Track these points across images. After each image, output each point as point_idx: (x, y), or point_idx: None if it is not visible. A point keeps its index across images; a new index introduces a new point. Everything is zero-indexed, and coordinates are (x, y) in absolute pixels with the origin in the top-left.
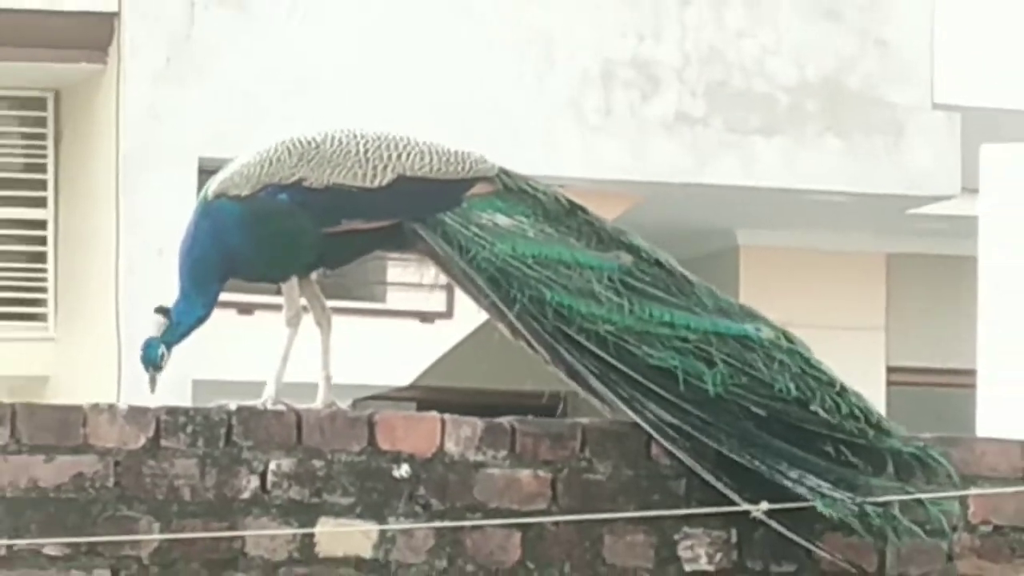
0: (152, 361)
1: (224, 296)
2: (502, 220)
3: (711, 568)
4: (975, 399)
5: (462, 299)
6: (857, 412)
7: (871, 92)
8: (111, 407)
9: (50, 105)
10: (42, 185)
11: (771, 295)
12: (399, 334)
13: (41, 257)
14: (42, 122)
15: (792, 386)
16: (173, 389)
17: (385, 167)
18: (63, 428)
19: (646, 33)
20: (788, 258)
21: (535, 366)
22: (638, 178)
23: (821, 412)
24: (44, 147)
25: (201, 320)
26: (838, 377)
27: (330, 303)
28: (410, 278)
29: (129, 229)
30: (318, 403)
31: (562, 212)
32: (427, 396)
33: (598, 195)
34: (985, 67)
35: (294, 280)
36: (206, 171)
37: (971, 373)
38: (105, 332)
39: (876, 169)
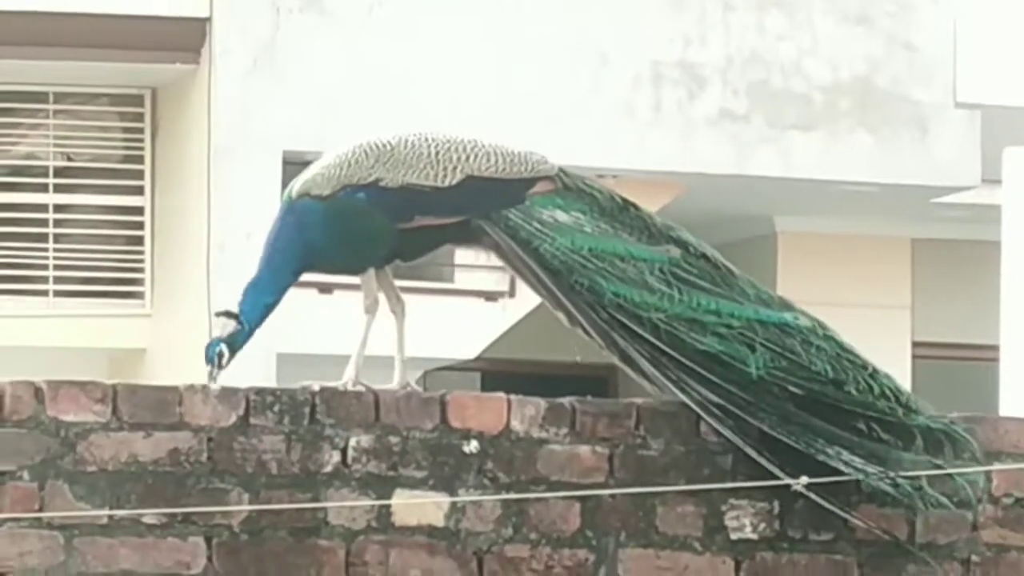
0: (211, 359)
1: (306, 276)
2: (561, 216)
3: (755, 536)
4: (994, 370)
5: None
6: (888, 392)
7: (898, 91)
8: (204, 388)
9: (147, 102)
10: (140, 175)
11: (806, 277)
12: (465, 311)
13: (139, 240)
14: (140, 117)
15: (828, 368)
16: (259, 362)
17: (455, 168)
18: (160, 407)
19: (692, 37)
20: (822, 243)
21: (587, 342)
22: (685, 169)
23: (855, 392)
24: (142, 140)
25: (269, 308)
26: (870, 361)
27: (402, 283)
28: (476, 260)
29: (219, 215)
30: (394, 384)
31: (616, 209)
32: (490, 368)
33: (648, 185)
34: (1004, 69)
35: (371, 271)
36: (289, 163)
37: (990, 348)
38: (197, 309)
39: (903, 162)
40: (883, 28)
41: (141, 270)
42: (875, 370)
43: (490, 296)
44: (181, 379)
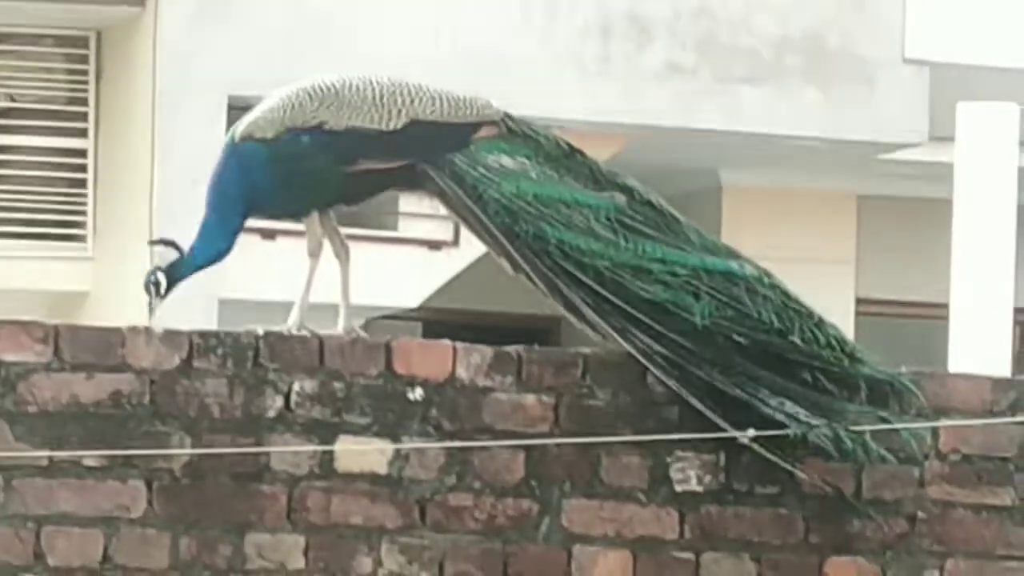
0: (147, 288)
1: (250, 222)
2: (507, 161)
3: (700, 489)
4: (938, 328)
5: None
6: (834, 342)
7: (847, 47)
8: (147, 329)
9: (92, 44)
10: (84, 117)
11: (750, 231)
12: (409, 260)
13: (82, 183)
14: (85, 59)
15: (774, 317)
16: (201, 307)
17: (399, 111)
18: (103, 348)
19: None
20: (767, 197)
21: (530, 292)
22: (631, 121)
23: (800, 342)
24: (86, 82)
25: (222, 253)
26: (815, 310)
27: (346, 231)
28: (420, 208)
29: (163, 159)
30: (339, 329)
31: (562, 155)
32: (433, 318)
33: (594, 137)
34: (953, 26)
35: (315, 215)
36: (235, 108)
37: (934, 306)
38: (139, 253)
39: (850, 117)
40: None
41: (84, 213)
42: (820, 319)
43: (434, 245)
44: (123, 323)
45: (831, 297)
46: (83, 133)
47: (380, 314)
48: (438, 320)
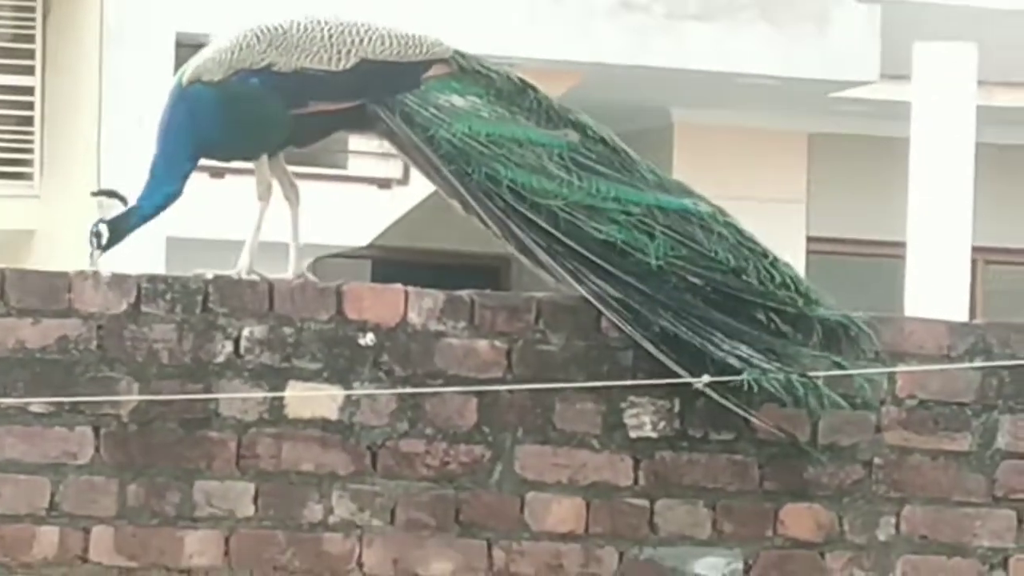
0: (89, 239)
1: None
2: (458, 100)
3: (654, 435)
4: (888, 266)
5: None
6: (788, 281)
7: None
8: (95, 274)
9: None
10: (30, 55)
11: (701, 169)
12: (358, 198)
13: (28, 121)
14: None
15: (729, 256)
16: (149, 246)
17: (349, 51)
18: (49, 293)
19: None
20: (718, 135)
21: (480, 231)
22: (582, 59)
23: (755, 282)
24: (33, 19)
25: (170, 198)
26: (770, 249)
27: (295, 169)
28: (370, 147)
29: (111, 96)
30: (289, 273)
31: (514, 91)
32: (381, 256)
33: (545, 74)
34: None
35: (264, 158)
36: (183, 44)
37: (885, 244)
38: (87, 191)
39: (802, 55)
40: None
41: (30, 151)
42: (775, 258)
43: (383, 183)
44: (69, 262)
45: (782, 235)
46: (30, 71)
47: (329, 252)
48: (387, 259)
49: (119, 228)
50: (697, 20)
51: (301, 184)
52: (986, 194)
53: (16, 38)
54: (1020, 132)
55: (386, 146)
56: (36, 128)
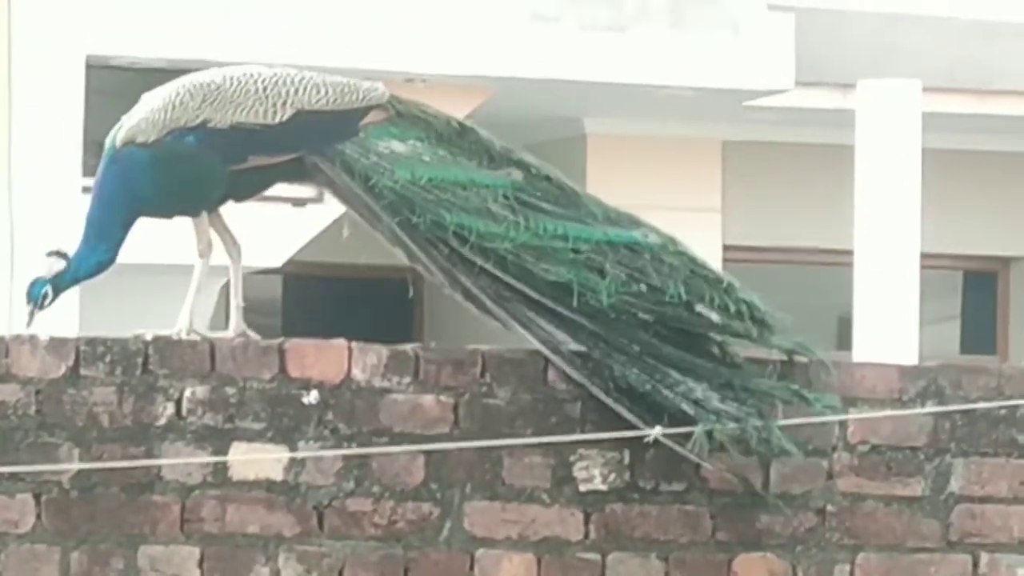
0: (34, 299)
1: None
2: (398, 146)
3: (604, 488)
4: (804, 273)
5: None
6: (743, 308)
7: None
8: (32, 338)
9: None
10: None
11: (615, 179)
12: (272, 218)
13: None
14: None
15: (682, 290)
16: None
17: (284, 103)
18: None
19: None
20: (631, 145)
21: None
22: (495, 73)
23: (708, 313)
24: None
25: (103, 265)
26: (724, 275)
27: None
28: None
29: (19, 122)
30: (230, 331)
31: (453, 134)
32: (294, 271)
33: (458, 89)
34: None
35: (204, 215)
36: (93, 67)
37: (800, 251)
38: None
39: (716, 65)
40: None
41: None
42: (730, 284)
43: (298, 202)
44: None
45: (698, 245)
46: None
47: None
48: (299, 274)
49: (57, 288)
50: (609, 31)
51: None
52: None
53: None
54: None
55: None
56: None
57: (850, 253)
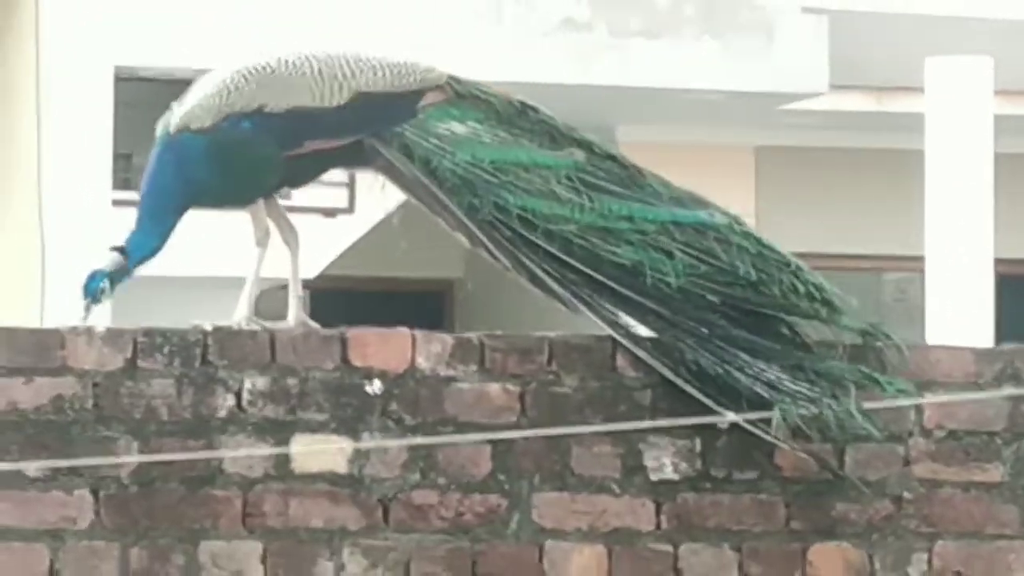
0: (91, 292)
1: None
2: (458, 128)
3: (676, 477)
4: (840, 280)
5: (363, 195)
6: (812, 291)
7: None
8: (89, 329)
9: None
10: None
11: None
12: (304, 228)
13: None
14: None
15: (751, 270)
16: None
17: (341, 86)
18: (41, 350)
19: None
20: (664, 152)
21: (423, 257)
22: (527, 79)
23: (777, 294)
24: None
25: (155, 252)
26: (791, 256)
27: None
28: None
29: (50, 134)
30: (289, 321)
31: (514, 114)
32: (323, 286)
33: None
34: None
35: (260, 202)
36: (122, 79)
37: (835, 256)
38: (29, 231)
39: (749, 69)
40: None
41: None
42: (798, 266)
43: (329, 212)
44: (8, 314)
45: None
46: None
47: (275, 286)
48: (328, 288)
49: (114, 282)
50: (641, 36)
51: (244, 216)
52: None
53: None
54: None
55: (331, 174)
56: None
57: (884, 258)
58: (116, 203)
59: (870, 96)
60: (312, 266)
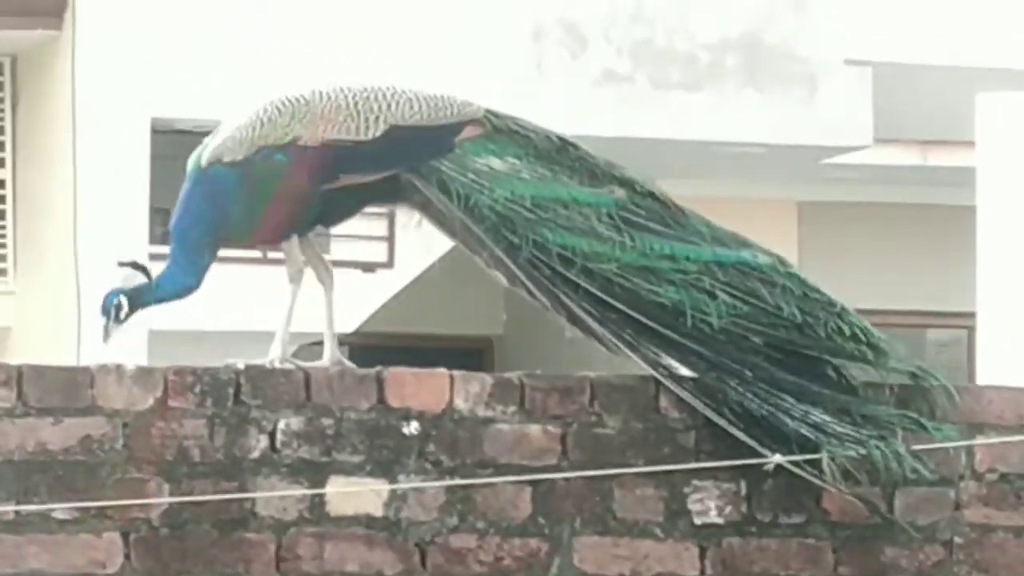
0: (107, 310)
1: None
2: (496, 163)
3: (721, 521)
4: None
5: (402, 250)
6: (858, 333)
7: (786, 48)
8: (118, 367)
9: (7, 70)
10: (0, 146)
11: None
12: (342, 283)
13: (0, 215)
14: (0, 87)
15: (795, 311)
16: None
17: (377, 118)
18: (70, 389)
19: None
20: (705, 207)
21: (461, 313)
22: (566, 131)
23: (823, 336)
24: (2, 110)
25: (190, 289)
26: (836, 298)
27: (278, 253)
28: (353, 230)
29: (86, 187)
30: (325, 361)
31: (553, 149)
32: (360, 342)
33: None
34: (894, 24)
35: (294, 239)
36: (158, 131)
37: (879, 312)
38: (64, 286)
39: (792, 121)
40: None
41: (3, 246)
42: (843, 308)
43: (367, 267)
44: (45, 359)
45: None
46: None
47: (313, 340)
48: (365, 344)
49: (134, 302)
50: (682, 89)
51: (279, 269)
52: None
53: None
54: None
55: (371, 229)
56: (8, 222)
57: (927, 314)
58: (153, 257)
59: (914, 150)
60: (350, 321)
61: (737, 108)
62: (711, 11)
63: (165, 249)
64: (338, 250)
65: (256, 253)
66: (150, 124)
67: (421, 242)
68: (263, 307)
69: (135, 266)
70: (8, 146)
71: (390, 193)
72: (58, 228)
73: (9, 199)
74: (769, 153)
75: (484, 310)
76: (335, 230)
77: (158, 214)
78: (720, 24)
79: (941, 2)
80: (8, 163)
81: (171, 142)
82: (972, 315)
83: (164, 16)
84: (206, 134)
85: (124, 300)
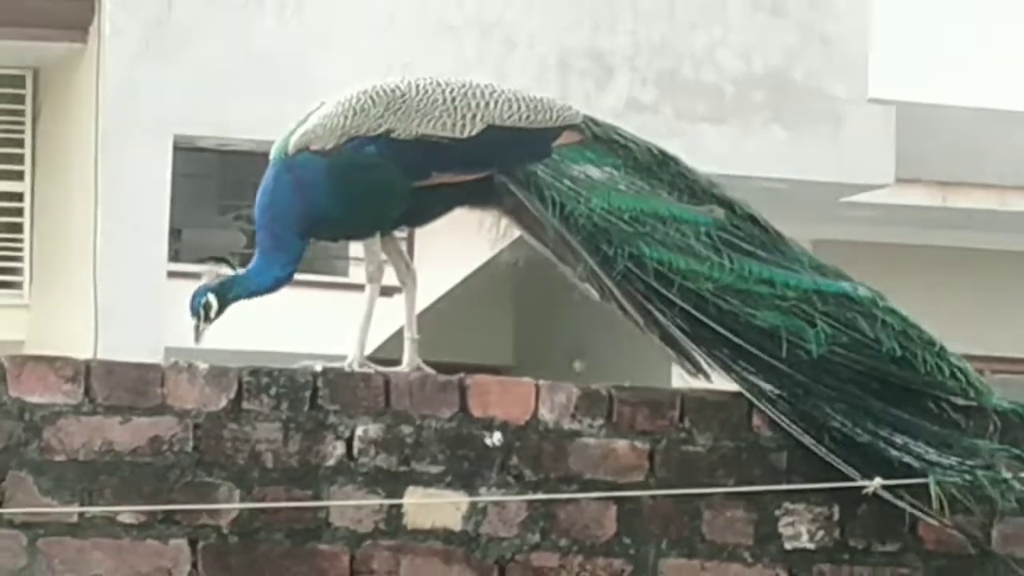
0: (196, 310)
1: (190, 267)
2: (594, 172)
3: (812, 546)
4: None
5: (422, 273)
6: (958, 372)
7: (812, 84)
8: (191, 366)
9: (29, 82)
10: (20, 159)
11: None
12: (361, 307)
13: (18, 228)
14: (21, 99)
15: (896, 345)
16: (145, 357)
17: (474, 116)
18: (139, 387)
19: (601, 23)
20: None
21: (481, 341)
22: None
23: (923, 371)
24: (22, 123)
25: (281, 281)
26: (936, 336)
27: (296, 276)
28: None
29: (106, 202)
30: (404, 366)
31: (654, 163)
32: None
33: None
34: (918, 64)
35: (377, 235)
36: (180, 148)
37: None
38: (81, 301)
39: (815, 157)
40: (797, 19)
41: (20, 259)
42: (942, 347)
43: (386, 291)
44: None
45: None
46: (19, 176)
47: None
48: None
49: (223, 299)
50: (706, 122)
51: (301, 293)
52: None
53: (5, 142)
54: None
55: (389, 251)
56: (26, 235)
57: None
58: (171, 275)
59: (934, 191)
60: (368, 345)
61: (761, 142)
62: (736, 44)
63: (181, 267)
64: (357, 274)
65: None
66: (172, 141)
67: (436, 269)
68: (279, 327)
69: (221, 261)
70: (27, 159)
71: (482, 195)
72: (76, 243)
73: (27, 212)
74: (790, 188)
75: (495, 339)
76: (353, 252)
77: (171, 234)
78: (745, 57)
79: (965, 43)
80: (27, 176)
81: (187, 159)
82: (991, 359)
83: (190, 33)
84: (229, 153)
85: (213, 298)
